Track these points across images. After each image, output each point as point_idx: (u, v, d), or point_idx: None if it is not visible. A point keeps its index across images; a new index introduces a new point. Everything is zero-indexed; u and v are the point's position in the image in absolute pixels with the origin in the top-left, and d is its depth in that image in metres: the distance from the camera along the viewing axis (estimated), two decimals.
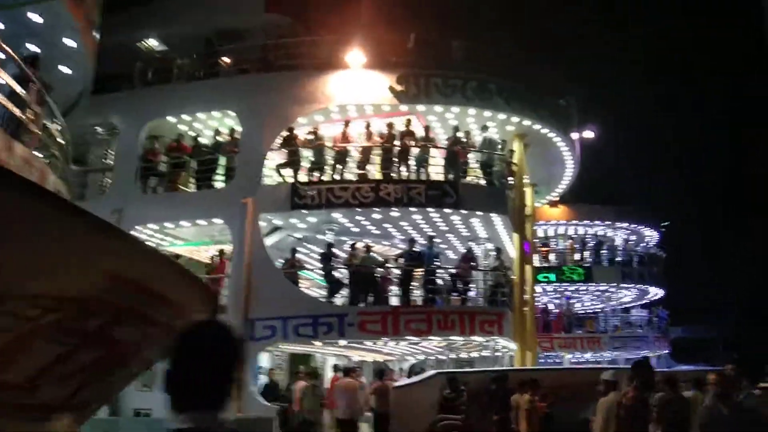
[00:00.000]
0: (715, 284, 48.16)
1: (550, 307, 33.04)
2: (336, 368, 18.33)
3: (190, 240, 17.38)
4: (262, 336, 14.28)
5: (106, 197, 16.17)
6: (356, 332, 14.19)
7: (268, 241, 16.14)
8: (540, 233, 33.65)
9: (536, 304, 31.93)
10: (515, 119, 16.66)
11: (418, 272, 15.13)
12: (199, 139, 16.37)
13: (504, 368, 14.83)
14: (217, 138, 15.99)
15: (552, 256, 32.68)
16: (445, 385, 12.62)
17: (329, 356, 23.33)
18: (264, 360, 19.24)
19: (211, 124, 16.64)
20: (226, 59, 17.12)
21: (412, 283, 15.01)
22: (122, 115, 16.52)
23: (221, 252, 15.36)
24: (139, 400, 15.17)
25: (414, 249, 14.91)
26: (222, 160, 15.81)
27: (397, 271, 15.13)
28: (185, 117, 16.53)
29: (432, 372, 14.09)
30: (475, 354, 22.19)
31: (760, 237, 46.18)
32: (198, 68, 16.70)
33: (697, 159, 60.06)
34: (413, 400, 12.44)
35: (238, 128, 15.81)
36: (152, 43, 18.31)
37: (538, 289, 30.87)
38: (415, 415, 11.97)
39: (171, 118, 16.54)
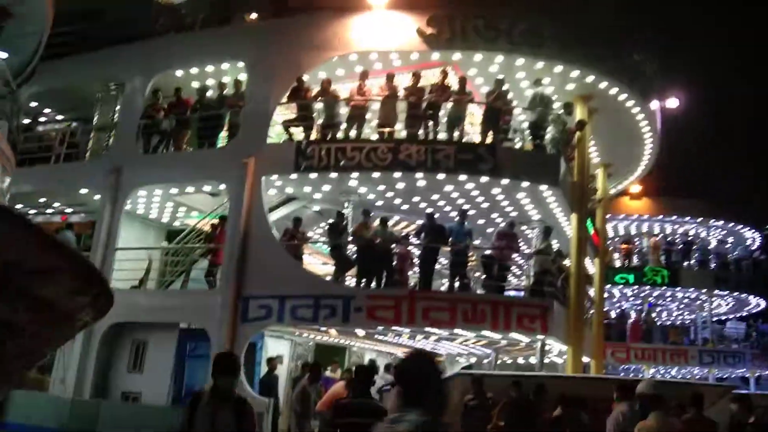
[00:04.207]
0: None
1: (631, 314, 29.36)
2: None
3: (205, 210, 15.71)
4: (256, 316, 12.23)
5: (104, 157, 14.82)
6: (363, 319, 11.83)
7: (280, 212, 14.15)
8: (621, 230, 30.08)
9: (612, 308, 28.52)
10: (575, 73, 13.70)
11: (445, 251, 12.57)
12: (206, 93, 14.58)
13: (532, 374, 11.96)
14: (223, 92, 14.10)
15: (635, 257, 28.82)
16: (469, 389, 10.26)
17: (367, 351, 20.97)
18: (283, 348, 17.24)
19: (222, 79, 14.80)
20: (254, 15, 15.36)
21: (435, 264, 12.47)
22: (128, 69, 15.08)
23: (222, 219, 13.46)
24: (129, 382, 13.66)
25: (435, 222, 12.29)
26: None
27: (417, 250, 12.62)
28: (193, 70, 14.78)
29: None
30: (533, 359, 19.28)
31: None
32: (211, 17, 14.92)
33: None
34: None
35: (245, 80, 13.87)
36: None
37: (615, 292, 27.42)
38: None
39: (179, 72, 14.85)
